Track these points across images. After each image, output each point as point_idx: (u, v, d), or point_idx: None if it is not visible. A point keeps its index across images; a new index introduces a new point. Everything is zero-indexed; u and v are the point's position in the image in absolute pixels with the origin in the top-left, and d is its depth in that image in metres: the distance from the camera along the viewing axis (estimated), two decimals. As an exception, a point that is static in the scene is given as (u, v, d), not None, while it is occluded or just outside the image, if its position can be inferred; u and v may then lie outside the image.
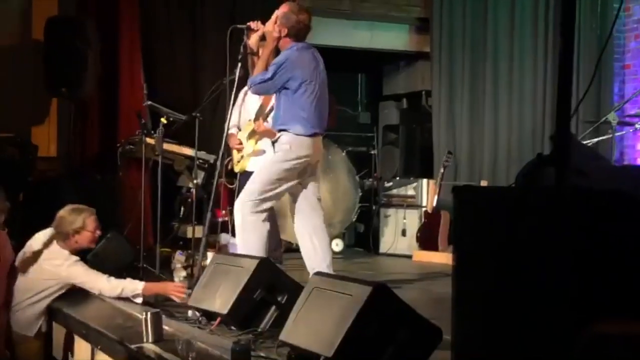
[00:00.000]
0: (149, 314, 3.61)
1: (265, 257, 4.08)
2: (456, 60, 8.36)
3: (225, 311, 3.86)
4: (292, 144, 4.94)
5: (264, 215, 4.94)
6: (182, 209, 6.80)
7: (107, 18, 6.95)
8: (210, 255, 4.79)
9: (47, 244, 4.58)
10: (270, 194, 4.92)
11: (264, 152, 5.63)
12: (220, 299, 3.93)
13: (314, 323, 3.20)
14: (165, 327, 3.83)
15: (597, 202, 2.28)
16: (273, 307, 3.91)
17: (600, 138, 6.11)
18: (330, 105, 9.41)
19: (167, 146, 6.22)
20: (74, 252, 4.70)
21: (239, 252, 4.81)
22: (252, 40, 5.01)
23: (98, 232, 4.80)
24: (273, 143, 5.06)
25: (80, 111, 6.89)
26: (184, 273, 4.71)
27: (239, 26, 5.03)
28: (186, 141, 6.27)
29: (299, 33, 5.02)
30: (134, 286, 4.60)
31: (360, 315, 3.05)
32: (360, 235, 8.64)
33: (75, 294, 4.76)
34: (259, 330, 3.81)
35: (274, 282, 3.95)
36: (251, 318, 3.88)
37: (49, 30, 6.44)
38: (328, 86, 9.93)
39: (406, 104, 9.60)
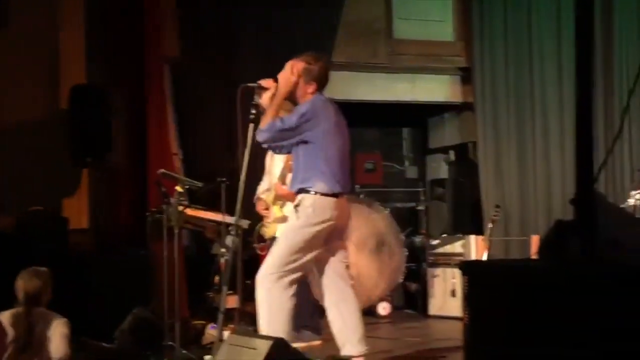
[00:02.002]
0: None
1: (280, 337, 3.69)
2: (501, 109, 7.98)
3: (237, 399, 3.49)
4: (315, 206, 4.52)
5: (290, 291, 4.54)
6: (216, 278, 6.47)
7: (135, 85, 6.76)
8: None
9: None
10: (294, 265, 4.51)
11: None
12: (233, 385, 3.56)
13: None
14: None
15: (634, 279, 1.86)
16: (291, 393, 3.53)
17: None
18: (375, 162, 9.29)
19: (195, 213, 5.94)
20: None
21: (261, 330, 4.42)
22: (265, 99, 4.67)
23: None
24: (295, 207, 4.66)
25: (109, 181, 6.68)
26: None
27: (249, 85, 4.70)
28: (221, 207, 5.95)
29: (324, 81, 4.70)
30: None
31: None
32: (411, 296, 8.20)
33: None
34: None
35: (291, 364, 3.57)
36: (267, 405, 3.49)
37: (73, 98, 6.27)
38: (373, 142, 9.69)
39: (453, 156, 9.22)
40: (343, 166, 4.63)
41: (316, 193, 4.53)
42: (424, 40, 8.33)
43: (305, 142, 4.56)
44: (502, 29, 7.95)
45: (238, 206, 4.62)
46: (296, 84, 4.66)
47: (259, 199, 5.71)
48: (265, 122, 4.57)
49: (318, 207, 4.53)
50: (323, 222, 4.53)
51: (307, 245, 4.53)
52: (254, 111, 4.65)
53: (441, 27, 8.42)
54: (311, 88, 4.67)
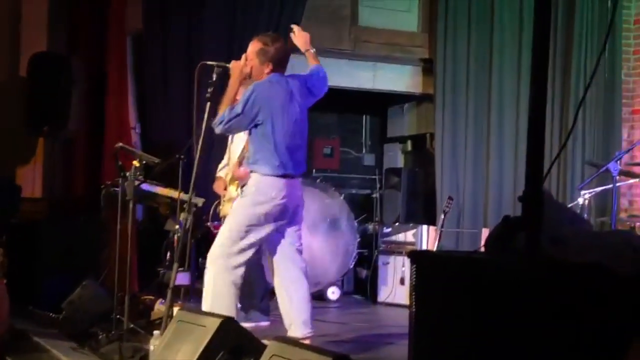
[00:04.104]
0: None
1: (229, 316, 3.73)
2: (460, 102, 8.05)
3: (183, 375, 3.51)
4: (259, 185, 4.60)
5: (239, 272, 4.59)
6: (168, 254, 6.46)
7: (95, 56, 6.70)
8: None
9: None
10: (243, 244, 4.57)
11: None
12: (180, 361, 3.59)
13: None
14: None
15: (574, 276, 1.93)
16: (237, 371, 3.56)
17: (603, 187, 5.75)
18: (333, 147, 9.33)
19: (151, 188, 5.92)
20: None
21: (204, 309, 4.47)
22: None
23: None
24: (242, 187, 4.72)
25: (65, 151, 6.63)
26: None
27: (208, 63, 4.73)
28: (178, 184, 5.93)
29: (282, 62, 4.77)
30: None
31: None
32: (361, 282, 8.30)
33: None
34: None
35: (238, 343, 3.60)
36: (213, 383, 3.52)
37: (32, 66, 6.21)
38: (333, 127, 9.67)
39: (410, 146, 9.31)
40: (292, 148, 4.67)
41: (261, 174, 4.60)
42: (388, 29, 8.34)
43: (256, 124, 4.61)
44: (466, 23, 8.01)
45: (192, 184, 4.65)
46: (252, 68, 4.71)
47: (219, 177, 5.72)
48: (219, 113, 4.62)
49: (261, 186, 4.61)
50: (266, 200, 4.59)
51: (252, 224, 4.59)
52: (210, 90, 4.67)
53: (406, 17, 8.44)
54: (267, 69, 4.71)
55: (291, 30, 4.94)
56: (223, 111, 4.62)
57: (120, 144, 5.17)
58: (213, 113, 4.69)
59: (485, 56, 7.95)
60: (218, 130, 4.69)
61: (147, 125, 7.32)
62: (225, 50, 7.30)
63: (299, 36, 4.91)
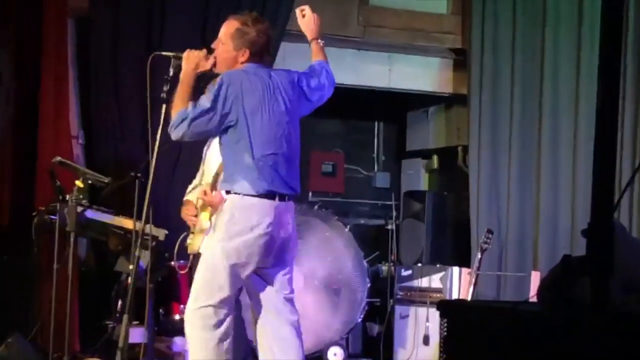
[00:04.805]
0: None
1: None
2: (502, 106, 8.09)
3: None
4: (236, 211, 4.60)
5: (222, 328, 4.61)
6: (119, 303, 6.48)
7: (26, 44, 6.74)
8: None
9: None
10: (223, 293, 4.58)
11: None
12: None
13: None
14: None
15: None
16: None
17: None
18: (336, 163, 9.39)
19: (98, 217, 5.97)
20: None
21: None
22: None
23: None
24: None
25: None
26: None
27: (163, 54, 4.77)
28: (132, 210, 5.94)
29: (263, 50, 4.78)
30: None
31: None
32: (372, 340, 8.33)
33: None
34: None
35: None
36: None
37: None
38: (335, 138, 9.72)
39: (437, 163, 9.35)
40: (279, 160, 4.67)
41: (238, 194, 4.60)
42: (408, 10, 8.42)
43: (228, 127, 4.61)
44: (511, 3, 8.06)
45: (146, 209, 4.67)
46: (217, 57, 4.74)
47: (187, 202, 5.72)
48: (174, 113, 4.59)
49: (240, 211, 4.61)
50: (245, 230, 4.59)
51: (233, 263, 4.58)
52: (166, 88, 4.69)
53: (432, -4, 8.56)
54: (243, 57, 4.72)
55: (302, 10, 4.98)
56: (177, 112, 4.58)
57: (59, 158, 5.21)
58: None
59: (536, 45, 7.97)
60: (176, 134, 4.63)
61: (93, 134, 7.36)
62: (195, 40, 7.35)
63: (308, 19, 4.93)
